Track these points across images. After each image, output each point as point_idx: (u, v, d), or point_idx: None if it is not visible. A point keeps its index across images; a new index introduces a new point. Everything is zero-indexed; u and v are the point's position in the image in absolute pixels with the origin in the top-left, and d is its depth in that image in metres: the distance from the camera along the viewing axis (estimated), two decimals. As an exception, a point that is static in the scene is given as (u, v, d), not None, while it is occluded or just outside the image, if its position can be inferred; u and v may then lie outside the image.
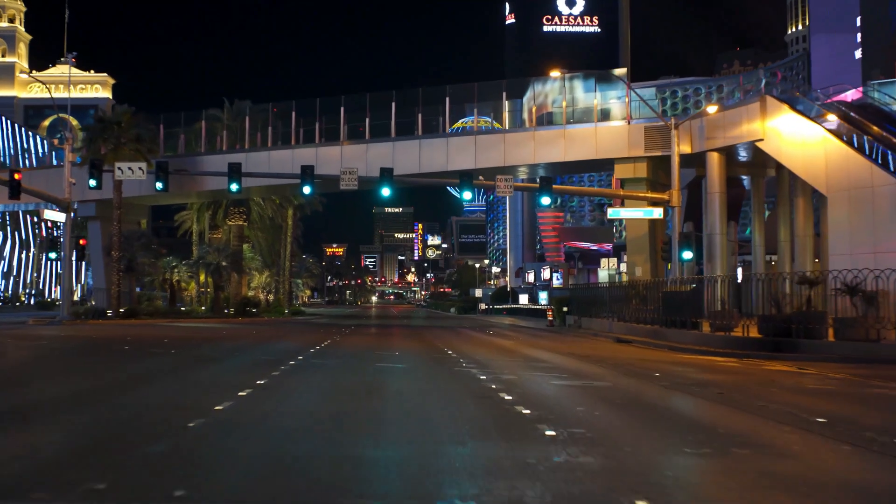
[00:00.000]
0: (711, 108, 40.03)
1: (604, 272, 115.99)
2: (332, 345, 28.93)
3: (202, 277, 63.66)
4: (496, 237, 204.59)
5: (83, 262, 60.86)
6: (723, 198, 43.25)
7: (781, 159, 39.41)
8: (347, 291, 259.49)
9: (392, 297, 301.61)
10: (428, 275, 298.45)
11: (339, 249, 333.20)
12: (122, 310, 51.93)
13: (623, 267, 78.12)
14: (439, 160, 48.55)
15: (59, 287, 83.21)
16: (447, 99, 49.30)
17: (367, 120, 50.68)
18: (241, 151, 53.46)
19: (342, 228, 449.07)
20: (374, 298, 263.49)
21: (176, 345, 27.77)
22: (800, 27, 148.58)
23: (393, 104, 50.06)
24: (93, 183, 40.45)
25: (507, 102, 48.85)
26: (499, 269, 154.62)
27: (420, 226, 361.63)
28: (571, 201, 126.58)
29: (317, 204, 77.34)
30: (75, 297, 75.23)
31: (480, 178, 43.08)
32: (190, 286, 69.80)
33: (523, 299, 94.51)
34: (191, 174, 48.41)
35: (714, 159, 42.86)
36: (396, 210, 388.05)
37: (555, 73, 41.58)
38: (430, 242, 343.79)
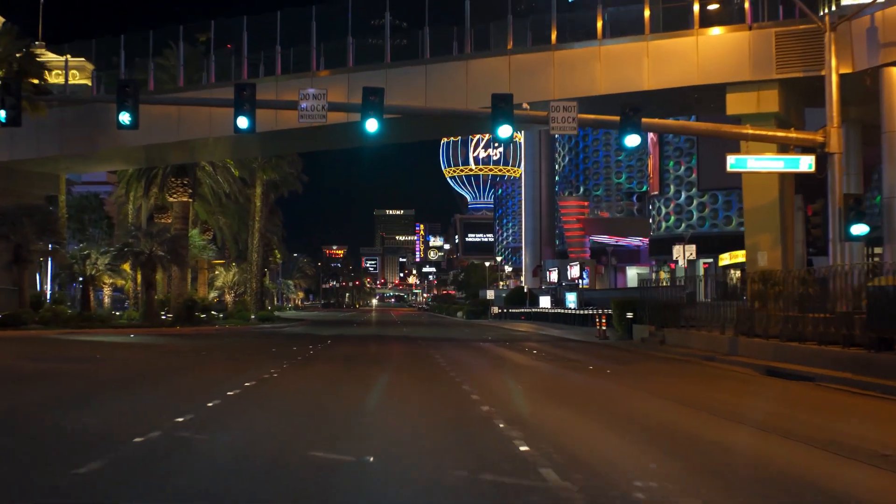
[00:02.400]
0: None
1: (633, 271, 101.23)
2: (237, 402, 12.84)
3: (138, 274, 47.65)
4: (505, 234, 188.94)
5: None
6: (909, 139, 27.26)
7: None
8: (346, 294, 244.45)
9: (393, 299, 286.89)
10: (430, 276, 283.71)
11: (340, 251, 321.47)
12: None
13: (680, 262, 62.56)
14: (455, 94, 32.31)
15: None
16: (467, 4, 33.10)
17: (350, 41, 34.50)
18: (173, 92, 37.59)
19: (343, 230, 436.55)
20: (374, 301, 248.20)
21: None
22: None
23: (387, 14, 33.94)
24: None
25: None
26: (511, 269, 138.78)
27: (422, 227, 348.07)
28: (597, 189, 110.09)
29: (295, 182, 61.36)
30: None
31: (525, 105, 26.67)
32: (127, 284, 53.91)
33: (544, 302, 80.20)
34: (53, 101, 31.99)
35: (895, 79, 26.88)
36: (398, 212, 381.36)
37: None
38: (432, 244, 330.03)
